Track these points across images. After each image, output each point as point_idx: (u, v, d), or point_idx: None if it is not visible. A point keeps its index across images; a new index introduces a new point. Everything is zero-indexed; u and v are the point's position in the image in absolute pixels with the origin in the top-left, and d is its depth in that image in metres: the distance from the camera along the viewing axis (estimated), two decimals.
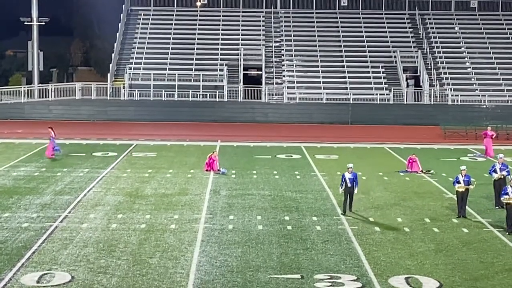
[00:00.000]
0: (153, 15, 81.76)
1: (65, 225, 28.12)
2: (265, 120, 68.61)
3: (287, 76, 74.19)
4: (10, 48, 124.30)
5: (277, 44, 78.36)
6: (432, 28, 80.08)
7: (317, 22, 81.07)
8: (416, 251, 25.27)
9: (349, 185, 30.38)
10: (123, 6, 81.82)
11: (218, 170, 40.23)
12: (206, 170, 40.37)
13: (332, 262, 23.90)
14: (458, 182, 30.12)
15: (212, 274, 22.55)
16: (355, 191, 30.67)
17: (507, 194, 27.71)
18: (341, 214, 30.14)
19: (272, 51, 77.15)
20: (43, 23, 74.47)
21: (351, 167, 30.74)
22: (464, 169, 30.42)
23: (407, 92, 71.33)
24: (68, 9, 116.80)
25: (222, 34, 79.21)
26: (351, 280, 22.16)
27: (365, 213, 30.93)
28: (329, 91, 71.08)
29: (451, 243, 26.32)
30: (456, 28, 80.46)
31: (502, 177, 31.55)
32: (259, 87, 71.40)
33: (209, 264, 23.45)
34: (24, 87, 72.82)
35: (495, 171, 31.98)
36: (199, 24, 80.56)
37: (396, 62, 74.72)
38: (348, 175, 30.52)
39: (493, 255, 24.93)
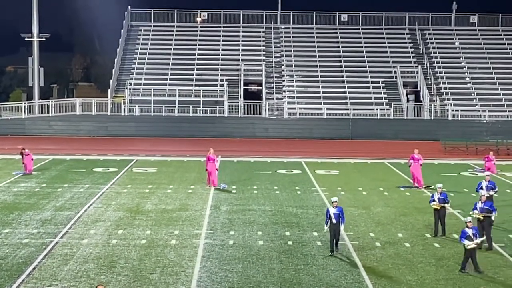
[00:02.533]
0: (153, 30, 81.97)
1: (66, 241, 28.09)
2: (266, 136, 68.65)
3: (287, 91, 74.30)
4: (10, 64, 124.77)
5: (278, 59, 78.50)
6: (432, 43, 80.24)
7: (317, 37, 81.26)
8: (417, 267, 25.24)
9: (334, 221, 26.26)
10: (124, 21, 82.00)
11: (213, 185, 40.21)
12: (209, 178, 40.49)
13: (333, 277, 23.87)
14: (434, 200, 29.71)
15: None
16: (342, 228, 26.90)
17: (476, 209, 27.75)
18: (329, 255, 26.31)
19: (272, 67, 77.28)
20: (44, 39, 74.66)
21: (336, 201, 26.67)
22: (440, 187, 30.02)
23: (407, 107, 71.41)
24: (68, 25, 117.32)
25: (223, 50, 79.38)
26: None
27: (366, 228, 30.91)
28: (329, 106, 71.15)
29: (452, 258, 26.27)
30: (456, 43, 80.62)
31: (488, 195, 31.16)
32: (260, 102, 71.48)
33: (209, 280, 23.42)
34: (25, 103, 72.92)
35: (481, 189, 31.63)
36: (200, 40, 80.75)
37: (396, 77, 74.82)
38: (333, 210, 26.45)
39: (494, 270, 24.89)
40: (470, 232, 24.49)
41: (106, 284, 22.60)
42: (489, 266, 25.41)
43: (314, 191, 39.82)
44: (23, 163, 44.90)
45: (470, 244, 24.40)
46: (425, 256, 26.52)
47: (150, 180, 43.08)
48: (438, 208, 29.50)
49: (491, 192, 31.54)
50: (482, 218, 27.42)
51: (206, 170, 40.94)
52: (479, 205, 27.78)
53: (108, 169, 47.07)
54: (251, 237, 29.09)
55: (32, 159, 45.15)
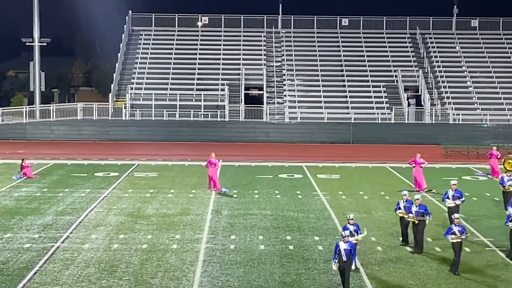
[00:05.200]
0: (154, 35, 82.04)
1: (67, 246, 28.08)
2: (267, 140, 68.62)
3: (288, 95, 74.32)
4: (11, 69, 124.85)
5: (278, 63, 78.54)
6: (433, 47, 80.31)
7: (318, 41, 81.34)
8: (418, 271, 25.22)
9: (344, 258, 22.55)
10: (125, 26, 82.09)
11: (216, 189, 40.20)
12: (210, 182, 40.49)
13: (334, 281, 23.83)
14: (399, 208, 28.83)
15: None
16: (353, 267, 23.38)
17: (411, 212, 27.84)
18: None
19: (273, 71, 77.32)
20: (45, 44, 74.71)
21: (347, 235, 23.18)
22: (406, 194, 29.15)
23: (408, 111, 71.43)
24: (69, 30, 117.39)
25: (223, 54, 79.46)
26: None
27: (367, 232, 30.84)
28: (330, 110, 71.18)
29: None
30: (457, 47, 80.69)
31: (454, 204, 30.45)
32: (261, 106, 71.48)
33: (211, 284, 23.41)
34: (26, 108, 72.99)
35: (448, 198, 30.80)
36: (200, 44, 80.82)
37: (397, 81, 74.85)
38: (343, 245, 22.76)
39: (495, 274, 24.86)
40: (351, 228, 24.92)
41: None
42: (490, 270, 25.40)
43: (315, 195, 39.79)
44: (23, 173, 44.84)
45: (352, 240, 24.73)
46: (427, 260, 26.50)
47: (151, 184, 43.07)
48: (416, 222, 28.22)
49: (458, 202, 30.50)
50: (417, 222, 27.53)
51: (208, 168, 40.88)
52: (414, 208, 27.77)
53: (109, 174, 47.06)
54: (252, 241, 29.07)
55: (29, 167, 45.26)
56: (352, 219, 25.25)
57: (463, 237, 25.37)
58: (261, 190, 41.23)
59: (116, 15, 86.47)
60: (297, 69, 77.80)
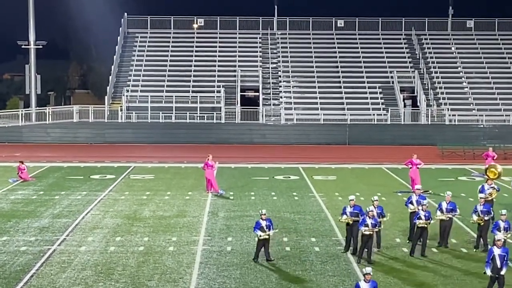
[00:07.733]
0: (150, 37, 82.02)
1: (63, 248, 28.06)
2: (263, 141, 68.61)
3: (284, 97, 74.31)
4: (7, 72, 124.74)
5: (274, 65, 78.54)
6: (428, 48, 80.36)
7: (313, 43, 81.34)
8: (414, 272, 25.22)
9: None
10: (120, 28, 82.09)
11: (214, 191, 40.18)
12: (208, 184, 40.54)
13: (331, 283, 23.85)
14: (345, 214, 27.67)
15: None
16: None
17: (345, 214, 27.78)
18: None
19: (269, 73, 77.31)
20: (41, 47, 74.59)
21: (370, 273, 19.32)
22: (353, 199, 28.28)
23: (404, 112, 71.41)
24: (65, 32, 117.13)
25: (219, 56, 79.45)
26: None
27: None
28: (326, 111, 71.15)
29: (450, 264, 26.28)
30: (453, 48, 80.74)
31: (417, 210, 29.26)
32: (257, 108, 71.46)
33: (207, 286, 23.40)
34: (22, 111, 72.89)
35: (411, 203, 29.95)
36: (196, 46, 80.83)
37: (393, 82, 74.88)
38: (364, 286, 19.23)
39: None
40: (263, 223, 26.06)
41: None
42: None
43: (312, 197, 39.79)
44: (19, 176, 44.87)
45: (262, 235, 25.95)
46: (423, 261, 26.52)
47: (148, 186, 43.05)
48: (350, 222, 27.61)
49: (420, 208, 30.18)
50: (351, 222, 27.44)
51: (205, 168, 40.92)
52: (348, 209, 27.69)
53: (106, 176, 47.03)
54: (249, 243, 29.05)
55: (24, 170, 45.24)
56: (265, 214, 26.32)
57: (375, 230, 26.60)
58: (258, 192, 41.23)
59: (111, 18, 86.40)
60: (293, 70, 77.82)
